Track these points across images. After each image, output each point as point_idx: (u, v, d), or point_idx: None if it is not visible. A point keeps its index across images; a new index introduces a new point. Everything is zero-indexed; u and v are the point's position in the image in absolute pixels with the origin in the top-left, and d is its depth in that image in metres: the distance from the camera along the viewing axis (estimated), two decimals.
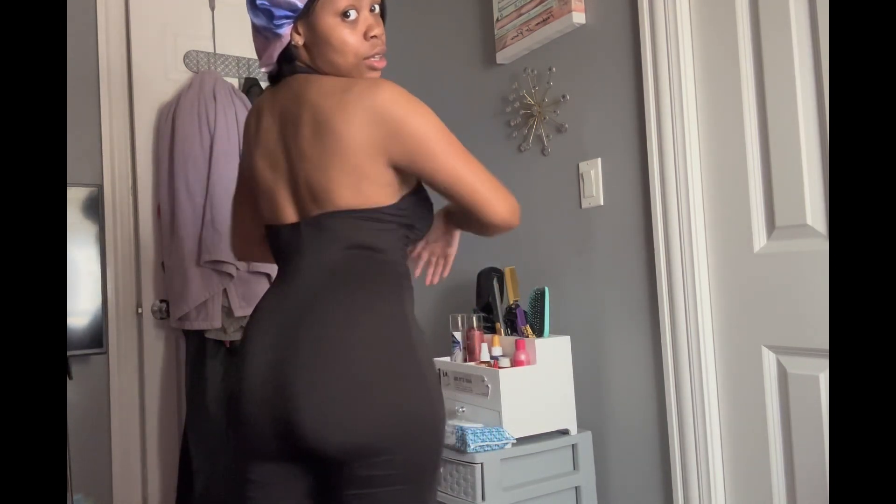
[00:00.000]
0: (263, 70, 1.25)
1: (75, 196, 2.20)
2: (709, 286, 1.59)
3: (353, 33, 1.15)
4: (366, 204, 1.14)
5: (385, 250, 1.17)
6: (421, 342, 1.16)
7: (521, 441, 1.68)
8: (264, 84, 2.73)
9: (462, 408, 1.76)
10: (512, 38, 2.04)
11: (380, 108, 1.12)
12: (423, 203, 1.21)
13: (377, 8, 1.19)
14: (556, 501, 1.70)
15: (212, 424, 2.43)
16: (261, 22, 1.18)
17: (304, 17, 1.15)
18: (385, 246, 1.17)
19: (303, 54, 1.19)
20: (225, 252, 2.39)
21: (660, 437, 1.68)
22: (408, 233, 1.20)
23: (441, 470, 1.18)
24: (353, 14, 1.14)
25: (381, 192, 1.14)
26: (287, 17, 1.16)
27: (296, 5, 1.14)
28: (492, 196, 1.16)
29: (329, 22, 1.14)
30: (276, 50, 1.19)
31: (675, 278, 1.61)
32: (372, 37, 1.16)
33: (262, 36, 1.20)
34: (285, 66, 1.21)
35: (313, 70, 1.20)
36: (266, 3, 1.15)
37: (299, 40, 1.18)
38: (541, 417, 1.71)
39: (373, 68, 1.18)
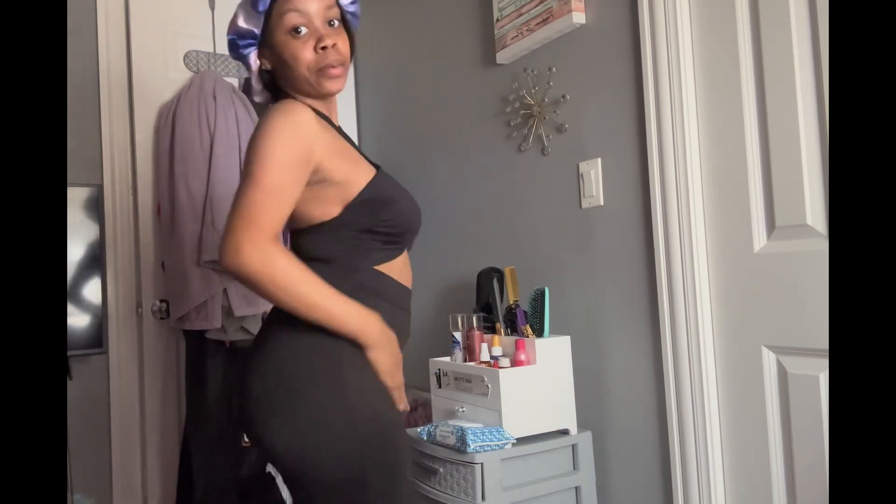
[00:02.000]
0: (258, 100, 1.36)
1: (75, 196, 2.20)
2: (709, 286, 1.59)
3: (304, 47, 1.21)
4: (317, 220, 1.21)
5: (337, 260, 1.21)
6: (350, 357, 1.16)
7: (521, 441, 1.68)
8: None
9: (462, 408, 1.76)
10: (512, 38, 2.04)
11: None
12: (370, 204, 1.22)
13: (336, 22, 1.25)
14: (556, 501, 1.70)
15: (212, 424, 2.43)
16: (234, 55, 1.28)
17: (265, 42, 1.25)
18: (337, 256, 1.21)
19: (277, 78, 1.29)
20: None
21: (660, 437, 1.68)
22: (368, 237, 1.22)
23: (397, 486, 1.17)
24: (303, 30, 1.21)
25: (320, 208, 1.20)
26: (249, 45, 1.26)
27: (253, 31, 1.24)
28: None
29: (282, 39, 1.22)
30: (254, 78, 1.30)
31: (675, 278, 1.61)
32: (322, 48, 1.21)
33: (246, 69, 1.29)
34: (274, 93, 1.32)
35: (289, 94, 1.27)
36: (233, 35, 1.26)
37: (267, 65, 1.28)
38: (541, 417, 1.71)
39: (328, 76, 1.23)
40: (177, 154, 2.46)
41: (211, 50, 2.68)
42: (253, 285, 1.09)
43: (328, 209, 1.20)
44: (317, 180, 1.17)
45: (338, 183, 1.19)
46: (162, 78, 2.60)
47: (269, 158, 1.12)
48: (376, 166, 1.31)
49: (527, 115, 2.05)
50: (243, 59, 1.29)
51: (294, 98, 1.25)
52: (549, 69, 1.96)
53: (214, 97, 2.53)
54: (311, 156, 1.16)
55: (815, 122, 1.39)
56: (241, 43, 1.27)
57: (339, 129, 1.33)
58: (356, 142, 3.02)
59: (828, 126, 1.37)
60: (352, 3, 1.32)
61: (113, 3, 2.55)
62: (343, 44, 1.24)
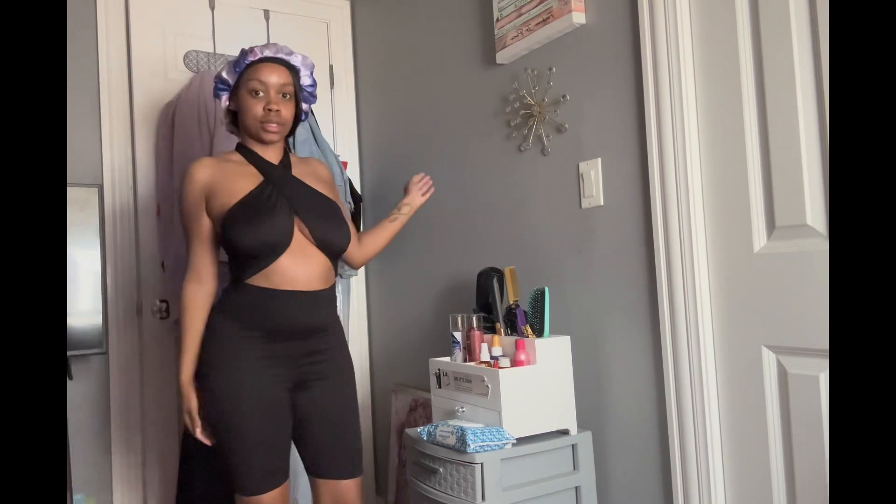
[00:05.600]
0: (226, 129, 1.87)
1: (75, 196, 2.20)
2: (709, 286, 1.59)
3: (257, 105, 1.71)
4: None
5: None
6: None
7: (521, 441, 1.68)
8: None
9: (462, 408, 1.76)
10: (512, 38, 2.04)
11: None
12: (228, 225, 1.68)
13: (288, 95, 1.73)
14: (556, 501, 1.70)
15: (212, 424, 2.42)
16: (214, 94, 1.80)
17: (234, 92, 1.76)
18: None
19: (238, 118, 1.79)
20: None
21: (660, 437, 1.68)
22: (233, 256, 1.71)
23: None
24: (260, 94, 1.71)
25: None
26: (223, 89, 1.78)
27: (228, 82, 1.77)
28: None
29: (244, 95, 1.72)
30: (222, 112, 1.84)
31: (675, 278, 1.61)
32: (268, 109, 1.69)
33: (217, 101, 1.89)
34: (234, 126, 1.83)
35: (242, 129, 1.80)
36: (216, 80, 1.78)
37: (232, 107, 1.79)
38: (541, 417, 1.71)
39: (266, 130, 1.71)
40: (177, 154, 2.46)
41: (211, 50, 2.69)
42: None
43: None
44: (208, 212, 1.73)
45: (214, 216, 1.72)
46: (162, 78, 2.60)
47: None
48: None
49: (527, 115, 2.05)
50: (218, 98, 1.80)
51: (245, 139, 1.78)
52: (549, 69, 1.96)
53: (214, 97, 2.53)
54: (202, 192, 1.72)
55: (815, 122, 1.39)
56: (220, 87, 1.78)
57: (279, 163, 1.78)
58: (356, 143, 3.02)
59: (828, 126, 1.37)
60: (310, 85, 1.81)
61: (113, 4, 2.55)
62: (286, 111, 1.73)
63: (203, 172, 1.70)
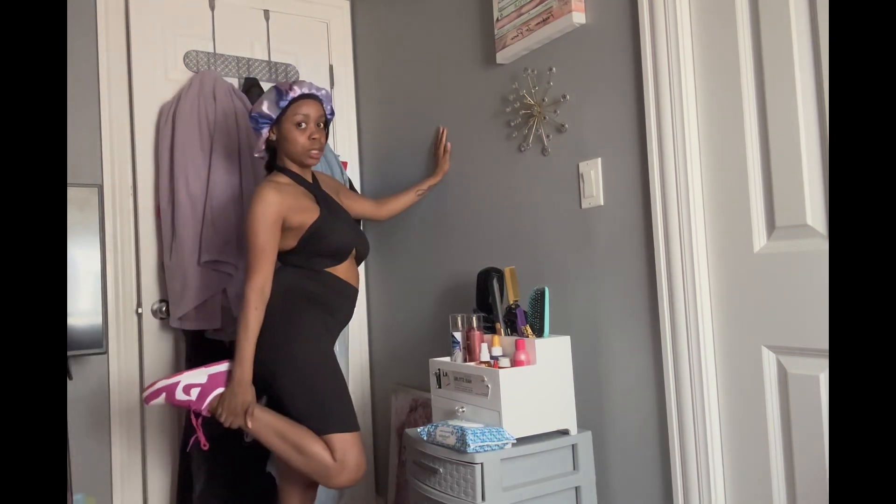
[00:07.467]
0: (256, 155, 2.14)
1: (75, 196, 2.19)
2: (709, 286, 1.59)
3: (301, 135, 2.01)
4: (285, 249, 2.03)
5: (300, 265, 2.04)
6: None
7: (521, 441, 1.68)
8: (265, 84, 2.73)
9: (462, 408, 1.76)
10: (512, 38, 2.04)
11: None
12: (311, 238, 1.99)
13: (321, 124, 2.05)
14: (556, 501, 1.70)
15: (211, 424, 2.42)
16: (252, 125, 2.06)
17: (276, 123, 2.04)
18: (298, 263, 2.03)
19: (277, 146, 2.08)
20: (225, 252, 2.39)
21: (660, 437, 1.68)
22: (315, 255, 2.01)
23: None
24: (303, 125, 2.01)
25: (285, 242, 2.02)
26: (265, 123, 2.04)
27: (270, 117, 2.02)
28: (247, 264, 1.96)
29: (289, 127, 2.02)
30: (261, 142, 2.08)
31: (675, 278, 1.61)
32: (312, 138, 2.01)
33: (256, 133, 2.07)
34: (271, 154, 2.12)
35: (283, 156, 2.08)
36: (256, 115, 2.03)
37: (273, 137, 2.07)
38: (541, 417, 1.71)
39: (310, 156, 2.03)
40: (177, 154, 2.46)
41: (211, 50, 2.69)
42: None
43: (290, 242, 2.00)
44: (284, 227, 1.96)
45: (294, 228, 1.97)
46: (162, 78, 2.60)
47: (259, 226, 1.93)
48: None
49: (527, 115, 2.05)
50: (258, 131, 2.05)
51: (285, 162, 2.06)
52: (549, 69, 1.96)
53: (214, 97, 2.53)
54: (279, 215, 1.94)
55: (815, 122, 1.39)
56: (260, 120, 2.03)
57: (312, 181, 2.11)
58: (356, 142, 3.02)
59: (828, 126, 1.37)
60: (331, 112, 2.11)
61: (113, 3, 2.55)
62: (323, 138, 2.04)
63: (278, 197, 1.93)
